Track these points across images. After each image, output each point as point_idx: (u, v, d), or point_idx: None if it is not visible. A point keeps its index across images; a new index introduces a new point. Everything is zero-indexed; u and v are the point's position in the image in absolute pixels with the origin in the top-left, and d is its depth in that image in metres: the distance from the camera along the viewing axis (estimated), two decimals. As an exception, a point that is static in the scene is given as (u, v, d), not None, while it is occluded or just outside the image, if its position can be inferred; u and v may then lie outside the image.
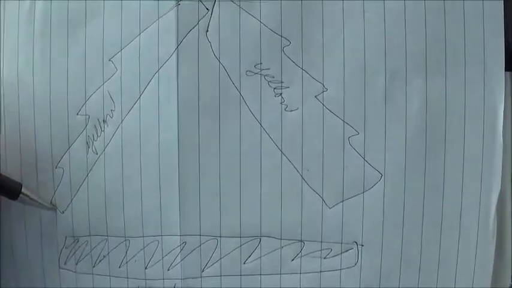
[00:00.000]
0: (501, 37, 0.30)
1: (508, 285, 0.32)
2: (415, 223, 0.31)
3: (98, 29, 0.33)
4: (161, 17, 0.32)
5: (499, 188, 0.31)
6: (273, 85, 0.32)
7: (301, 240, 0.32)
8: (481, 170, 0.31)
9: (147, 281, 0.34)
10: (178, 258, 0.33)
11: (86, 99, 0.34)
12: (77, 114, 0.34)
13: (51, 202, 0.35)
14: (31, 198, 0.33)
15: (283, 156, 0.32)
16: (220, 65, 0.32)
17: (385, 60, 0.31)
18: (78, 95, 0.34)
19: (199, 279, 0.33)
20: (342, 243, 0.32)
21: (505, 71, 0.31)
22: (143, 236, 0.33)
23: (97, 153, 0.34)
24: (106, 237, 0.34)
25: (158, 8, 0.32)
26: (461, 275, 0.31)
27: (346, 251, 0.32)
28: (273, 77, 0.32)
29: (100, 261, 0.34)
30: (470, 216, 0.31)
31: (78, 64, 0.34)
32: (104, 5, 0.33)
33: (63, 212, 0.35)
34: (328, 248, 0.32)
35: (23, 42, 0.35)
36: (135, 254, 0.34)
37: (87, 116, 0.34)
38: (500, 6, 0.30)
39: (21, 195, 0.33)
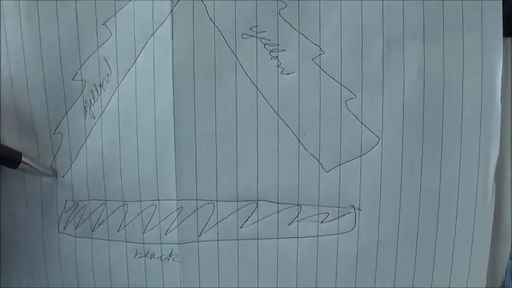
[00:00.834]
0: (499, 2, 0.30)
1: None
2: (413, 187, 0.31)
3: None
4: (156, -21, 0.32)
5: (498, 153, 0.31)
6: (269, 48, 0.32)
7: (298, 205, 0.32)
8: (479, 134, 0.31)
9: (145, 245, 0.34)
10: (175, 223, 0.33)
11: (81, 64, 0.34)
12: (72, 79, 0.34)
13: (51, 167, 0.35)
14: (31, 167, 0.34)
15: (280, 120, 0.32)
16: (216, 28, 0.32)
17: (382, 24, 0.31)
18: (72, 61, 0.34)
19: (196, 243, 0.33)
20: (339, 207, 0.32)
21: (504, 36, 0.30)
22: (140, 201, 0.34)
23: (94, 118, 0.34)
24: (104, 201, 0.34)
25: None
26: (459, 240, 0.31)
27: (344, 215, 0.32)
28: (269, 40, 0.32)
29: (99, 225, 0.35)
30: (468, 180, 0.31)
31: (69, 29, 0.33)
32: None
33: (63, 177, 0.35)
34: (326, 212, 0.32)
35: (8, 8, 0.34)
36: (133, 218, 0.34)
37: (84, 81, 0.34)
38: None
39: (21, 164, 0.33)
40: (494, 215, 0.31)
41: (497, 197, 0.31)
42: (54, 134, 0.35)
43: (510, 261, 0.33)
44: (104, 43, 0.33)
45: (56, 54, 0.34)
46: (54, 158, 0.35)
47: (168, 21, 0.32)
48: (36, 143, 0.35)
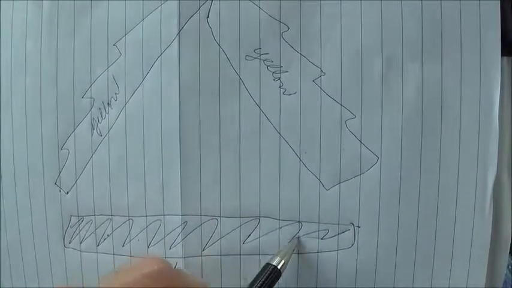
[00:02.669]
0: (497, 22, 0.31)
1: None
2: (411, 205, 0.32)
3: (103, 14, 0.34)
4: (164, 3, 0.33)
5: (495, 171, 0.31)
6: (272, 69, 0.33)
7: (299, 221, 0.33)
8: (477, 153, 0.31)
9: (149, 259, 0.35)
10: (180, 238, 0.34)
11: (92, 82, 0.35)
12: (83, 97, 0.35)
13: (55, 183, 0.36)
14: None
15: (282, 139, 0.33)
16: (221, 50, 0.33)
17: (381, 45, 0.32)
18: (84, 79, 0.35)
19: (200, 258, 0.34)
20: (339, 224, 0.33)
21: (502, 56, 0.31)
22: (146, 216, 0.34)
23: (101, 135, 0.35)
24: (110, 216, 0.35)
25: None
26: (457, 256, 0.32)
27: (343, 232, 0.33)
28: (272, 62, 0.33)
29: (104, 240, 0.35)
30: (466, 198, 0.32)
31: (84, 48, 0.35)
32: None
33: (67, 193, 0.36)
34: (326, 229, 0.33)
35: (31, 26, 0.36)
36: (138, 233, 0.35)
37: (93, 99, 0.35)
38: (495, -9, 0.31)
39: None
40: (492, 226, 0.32)
41: (496, 208, 0.32)
42: (61, 149, 0.35)
43: (510, 275, 0.34)
44: (113, 63, 0.34)
45: (70, 72, 0.35)
46: (60, 173, 0.36)
47: (175, 43, 0.33)
48: (42, 158, 0.36)
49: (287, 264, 0.32)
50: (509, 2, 0.31)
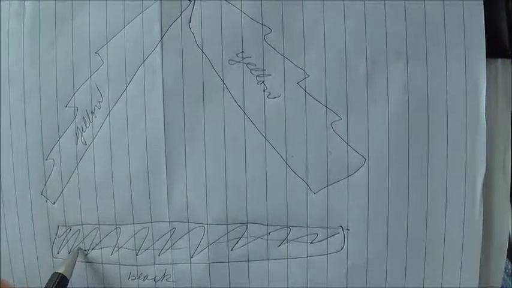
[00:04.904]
0: (481, 21, 0.30)
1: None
2: (401, 206, 0.32)
3: (84, 23, 0.34)
4: (145, 9, 0.33)
5: (484, 170, 0.31)
6: (255, 73, 0.32)
7: (287, 226, 0.33)
8: (465, 152, 0.31)
9: (138, 267, 0.34)
10: (169, 244, 0.34)
11: (74, 91, 0.35)
12: (66, 106, 0.35)
13: (41, 194, 0.36)
14: None
15: (267, 143, 0.33)
16: (204, 55, 0.33)
17: (365, 46, 0.31)
18: (67, 88, 0.35)
19: (189, 265, 0.34)
20: (327, 228, 0.32)
21: (494, 57, 0.31)
22: (133, 223, 0.34)
23: (86, 144, 0.35)
24: (98, 225, 0.35)
25: (142, 0, 0.33)
26: (449, 256, 0.32)
27: (333, 235, 0.32)
28: (255, 65, 0.32)
29: (92, 249, 0.35)
30: (455, 198, 0.31)
31: (66, 58, 0.35)
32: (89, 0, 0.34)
33: (54, 203, 0.36)
34: (315, 233, 0.33)
35: (13, 37, 0.36)
36: (126, 241, 0.34)
37: (76, 108, 0.35)
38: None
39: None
40: (487, 229, 0.31)
41: (489, 210, 0.32)
42: (46, 160, 0.35)
43: (508, 279, 0.33)
44: (96, 71, 0.34)
45: (52, 82, 0.35)
46: (45, 184, 0.36)
47: (158, 49, 0.33)
48: (28, 169, 0.36)
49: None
50: (499, 4, 0.31)
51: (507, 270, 0.34)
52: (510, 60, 0.31)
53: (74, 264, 0.34)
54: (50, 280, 0.33)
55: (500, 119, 0.32)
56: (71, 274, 0.34)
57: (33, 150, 0.35)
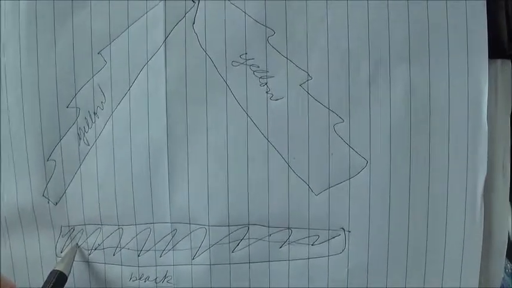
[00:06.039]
0: (484, 23, 0.30)
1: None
2: (402, 209, 0.32)
3: (85, 22, 0.34)
4: (149, 10, 0.33)
5: (485, 173, 0.31)
6: (258, 74, 0.32)
7: (288, 228, 0.33)
8: (467, 154, 0.31)
9: (139, 268, 0.35)
10: (170, 245, 0.34)
11: (76, 92, 0.35)
12: (67, 107, 0.35)
13: (43, 195, 0.36)
14: None
15: (270, 145, 0.33)
16: (207, 56, 0.33)
17: (368, 48, 0.31)
18: (68, 88, 0.35)
19: (190, 266, 0.34)
20: (329, 229, 0.32)
21: (494, 58, 0.31)
22: (135, 224, 0.34)
23: (89, 145, 0.35)
24: (100, 226, 0.35)
25: (146, 1, 0.33)
26: (450, 258, 0.32)
27: (334, 237, 0.32)
28: (258, 67, 0.32)
29: (95, 249, 0.35)
30: (456, 201, 0.31)
31: (66, 58, 0.34)
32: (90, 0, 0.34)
33: (56, 204, 0.36)
34: (316, 235, 0.33)
35: (8, 35, 0.35)
36: (128, 242, 0.35)
37: (78, 109, 0.35)
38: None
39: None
40: (487, 229, 0.32)
41: (489, 211, 0.32)
42: (47, 161, 0.35)
43: (508, 279, 0.33)
44: (98, 71, 0.34)
45: (52, 82, 0.35)
46: (47, 185, 0.36)
47: (162, 50, 0.33)
48: (29, 171, 0.36)
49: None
50: (499, 4, 0.31)
51: (507, 270, 0.34)
52: (510, 61, 0.31)
53: (73, 261, 0.34)
54: (48, 277, 0.33)
55: (500, 119, 0.31)
56: (70, 271, 0.34)
57: (33, 151, 0.35)
